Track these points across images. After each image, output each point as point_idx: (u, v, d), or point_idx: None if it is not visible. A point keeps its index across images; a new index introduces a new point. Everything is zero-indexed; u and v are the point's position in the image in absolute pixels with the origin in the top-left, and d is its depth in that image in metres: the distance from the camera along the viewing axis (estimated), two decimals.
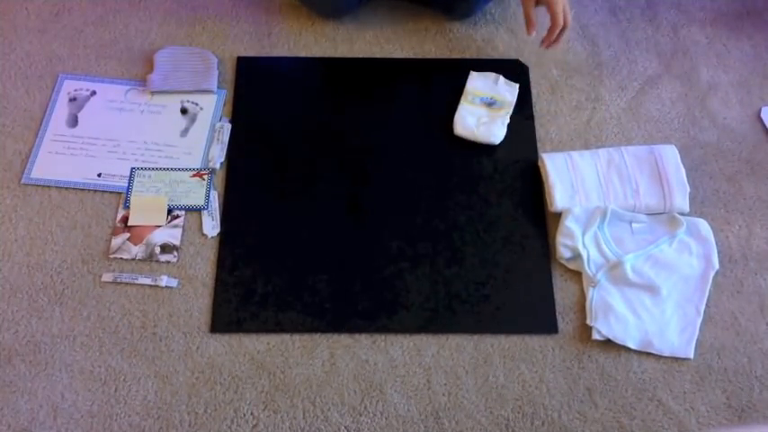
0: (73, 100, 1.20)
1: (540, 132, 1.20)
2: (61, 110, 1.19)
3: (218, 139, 1.17)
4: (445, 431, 0.96)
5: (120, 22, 1.31)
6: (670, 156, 1.13)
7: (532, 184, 1.14)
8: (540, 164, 1.15)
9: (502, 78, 1.23)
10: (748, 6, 1.36)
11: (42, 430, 0.95)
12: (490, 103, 1.20)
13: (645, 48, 1.31)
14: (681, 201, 1.10)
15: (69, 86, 1.21)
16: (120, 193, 1.12)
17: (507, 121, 1.18)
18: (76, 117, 1.18)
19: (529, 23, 1.17)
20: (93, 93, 1.21)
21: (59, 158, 1.15)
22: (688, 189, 1.10)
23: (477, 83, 1.22)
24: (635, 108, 1.23)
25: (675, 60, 1.29)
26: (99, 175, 1.13)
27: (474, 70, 1.24)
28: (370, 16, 1.32)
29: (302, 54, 1.28)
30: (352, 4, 1.30)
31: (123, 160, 1.15)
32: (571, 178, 1.11)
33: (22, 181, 1.13)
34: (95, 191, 1.12)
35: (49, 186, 1.13)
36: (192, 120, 1.18)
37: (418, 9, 1.33)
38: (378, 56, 1.28)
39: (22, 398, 0.97)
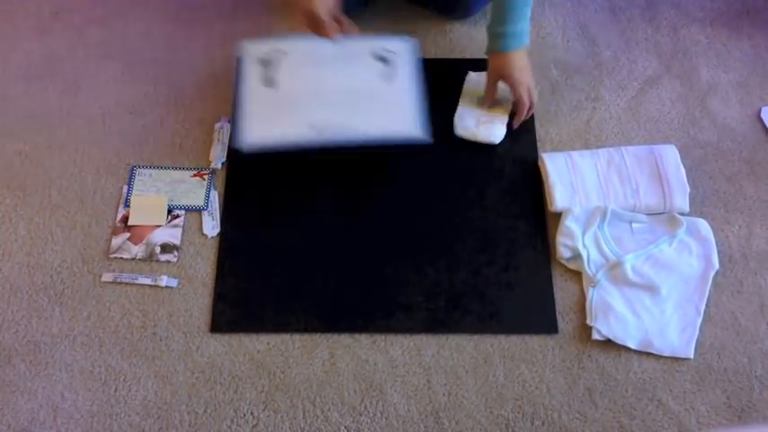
0: (264, 61, 1.14)
1: (540, 132, 1.20)
2: (254, 72, 1.14)
3: (218, 139, 1.17)
4: (445, 431, 0.96)
5: (120, 21, 1.31)
6: (670, 156, 1.13)
7: (532, 184, 1.15)
8: (540, 164, 1.15)
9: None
10: (748, 6, 1.36)
11: (42, 430, 0.95)
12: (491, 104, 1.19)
13: (645, 48, 1.31)
14: (681, 201, 1.10)
15: (257, 49, 1.15)
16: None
17: (507, 120, 1.18)
18: (273, 78, 1.13)
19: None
20: (284, 52, 1.15)
21: (268, 119, 1.09)
22: (688, 189, 1.10)
23: (476, 83, 1.22)
24: (635, 108, 1.23)
25: (675, 60, 1.29)
26: (315, 128, 1.07)
27: (473, 70, 1.24)
28: (370, 16, 1.32)
29: None
30: (351, 7, 1.29)
31: (336, 111, 1.09)
32: (571, 178, 1.11)
33: (238, 146, 1.07)
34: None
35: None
36: (391, 66, 1.14)
37: (418, 9, 1.33)
38: None
39: (22, 398, 0.97)
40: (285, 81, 1.13)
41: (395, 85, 1.13)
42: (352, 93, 1.12)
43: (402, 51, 1.17)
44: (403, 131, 1.08)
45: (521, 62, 1.12)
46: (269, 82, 1.12)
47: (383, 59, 1.14)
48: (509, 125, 1.18)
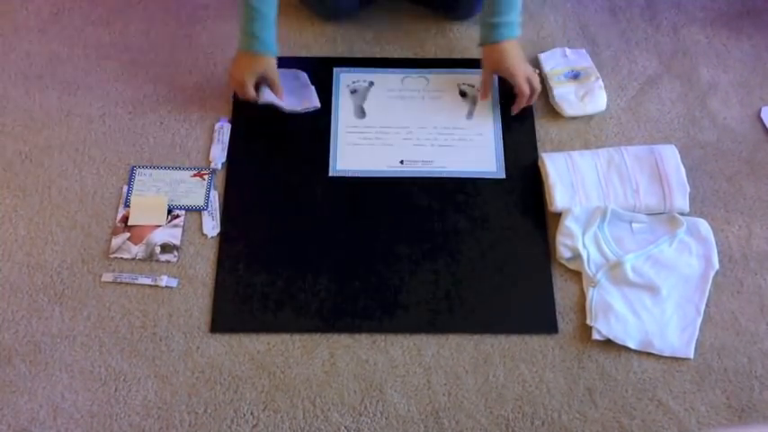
0: (354, 92, 1.22)
1: (540, 132, 1.20)
2: (345, 102, 1.21)
3: (218, 140, 1.17)
4: (445, 431, 0.96)
5: (120, 21, 1.31)
6: (670, 156, 1.13)
7: (532, 184, 1.15)
8: (540, 164, 1.15)
9: (566, 50, 1.26)
10: (748, 6, 1.36)
11: (42, 430, 0.95)
12: (575, 76, 1.20)
13: (645, 48, 1.31)
14: (681, 201, 1.10)
15: (347, 79, 1.24)
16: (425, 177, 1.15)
17: (602, 84, 1.21)
18: (363, 108, 1.20)
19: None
20: (372, 83, 1.22)
21: (358, 149, 1.17)
22: (688, 189, 1.10)
23: (551, 62, 1.24)
24: (635, 108, 1.23)
25: (675, 60, 1.29)
26: (401, 162, 1.15)
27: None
28: (370, 16, 1.32)
29: (302, 54, 1.28)
30: (351, 7, 1.30)
31: (420, 146, 1.17)
32: (571, 178, 1.11)
33: (330, 174, 1.14)
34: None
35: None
36: (474, 102, 1.21)
37: (418, 9, 1.33)
38: (378, 56, 1.28)
39: (22, 398, 0.97)
40: (375, 114, 1.20)
41: (475, 121, 1.19)
42: (437, 130, 1.18)
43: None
44: (481, 169, 1.15)
45: (513, 51, 1.14)
46: (359, 113, 1.19)
47: (464, 94, 1.21)
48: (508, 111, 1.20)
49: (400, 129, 1.19)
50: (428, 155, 1.16)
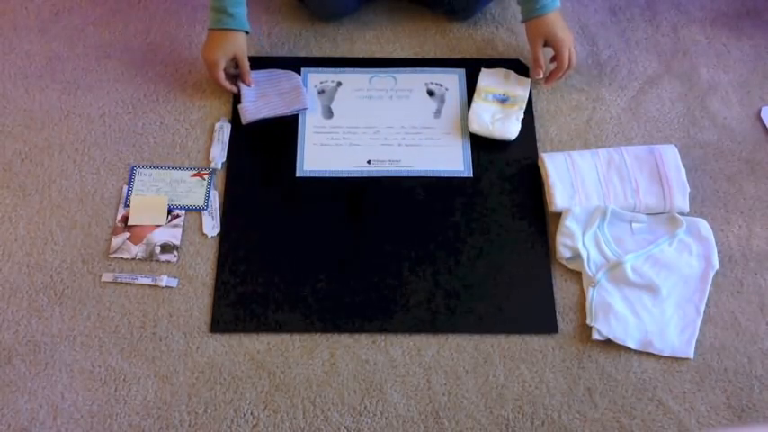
0: (321, 92, 1.21)
1: (540, 132, 1.20)
2: (313, 103, 1.21)
3: (218, 139, 1.17)
4: (445, 431, 0.96)
5: (120, 21, 1.31)
6: (670, 156, 1.13)
7: (532, 184, 1.15)
8: (540, 164, 1.15)
9: (513, 74, 1.23)
10: (748, 6, 1.36)
11: (42, 430, 0.95)
12: (503, 100, 1.19)
13: (645, 48, 1.31)
14: (681, 201, 1.10)
15: (315, 79, 1.23)
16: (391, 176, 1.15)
17: (521, 116, 1.18)
18: (330, 108, 1.20)
19: (536, 65, 1.19)
20: (339, 84, 1.22)
21: (325, 150, 1.17)
22: (688, 189, 1.10)
23: (489, 80, 1.22)
24: (635, 108, 1.23)
25: (675, 60, 1.29)
26: (369, 162, 1.15)
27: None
28: (370, 16, 1.33)
29: (302, 54, 1.28)
30: (350, 7, 1.30)
31: (387, 146, 1.17)
32: (571, 178, 1.11)
33: (297, 174, 1.14)
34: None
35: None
36: (441, 101, 1.21)
37: (418, 9, 1.33)
38: (378, 56, 1.28)
39: (22, 398, 0.97)
40: (342, 114, 1.20)
41: (443, 120, 1.19)
42: (405, 130, 1.18)
43: (450, 84, 1.23)
44: (449, 168, 1.15)
45: (561, 22, 1.17)
46: (326, 113, 1.19)
47: (432, 93, 1.20)
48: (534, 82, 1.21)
49: (367, 129, 1.19)
50: (396, 154, 1.16)
